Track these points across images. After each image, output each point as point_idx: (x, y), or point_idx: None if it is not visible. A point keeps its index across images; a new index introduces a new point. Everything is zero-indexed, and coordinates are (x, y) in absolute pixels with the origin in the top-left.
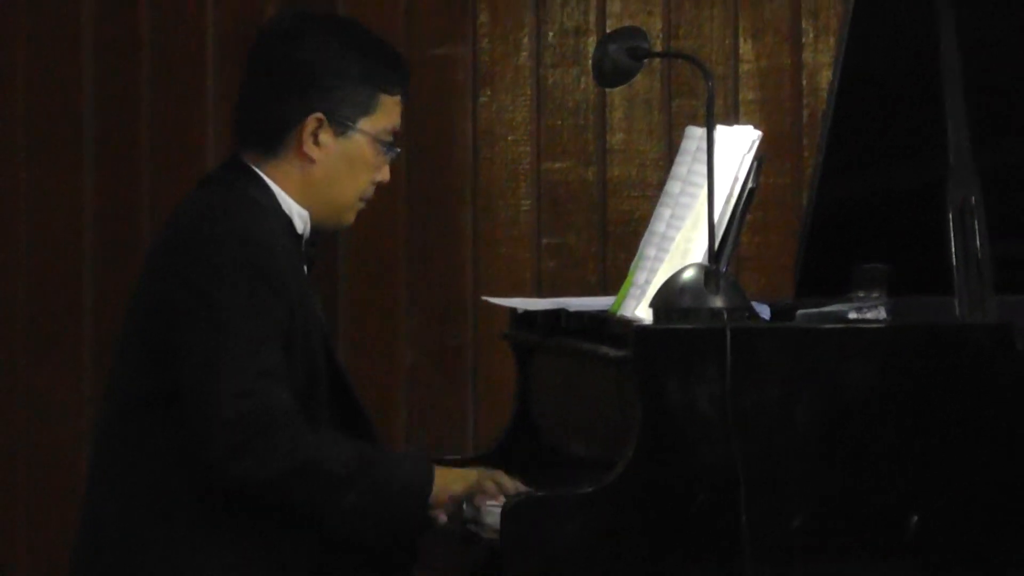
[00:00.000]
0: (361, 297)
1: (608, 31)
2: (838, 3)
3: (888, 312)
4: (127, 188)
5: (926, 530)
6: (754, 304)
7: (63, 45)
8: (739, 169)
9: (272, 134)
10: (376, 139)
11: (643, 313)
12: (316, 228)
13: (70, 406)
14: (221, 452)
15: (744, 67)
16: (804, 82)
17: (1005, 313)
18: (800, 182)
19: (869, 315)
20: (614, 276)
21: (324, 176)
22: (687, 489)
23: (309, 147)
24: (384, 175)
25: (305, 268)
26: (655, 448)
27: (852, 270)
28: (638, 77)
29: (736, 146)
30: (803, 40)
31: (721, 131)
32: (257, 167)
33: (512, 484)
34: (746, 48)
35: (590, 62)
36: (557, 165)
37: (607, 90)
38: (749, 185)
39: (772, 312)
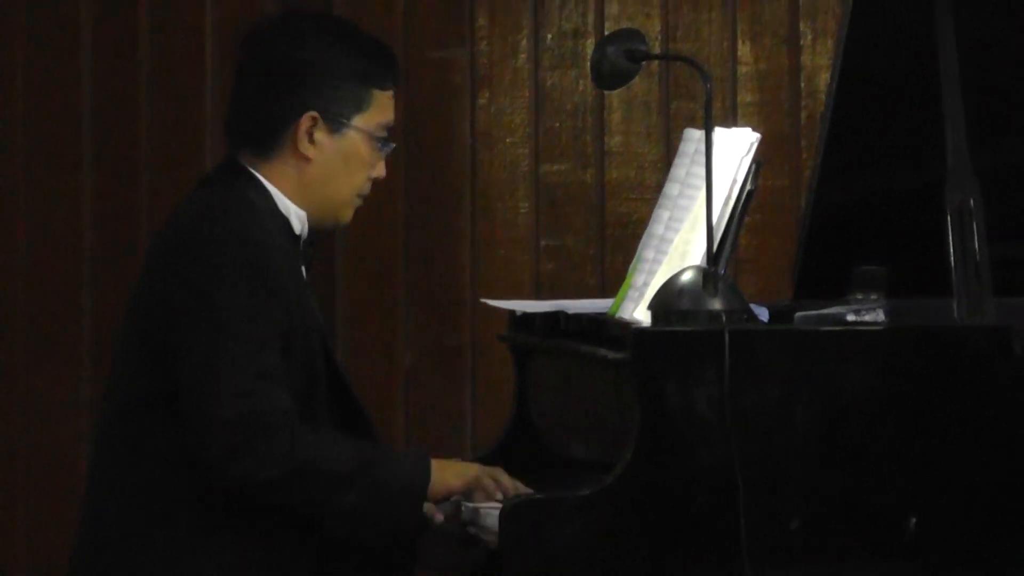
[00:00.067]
0: (360, 298)
1: (606, 33)
2: (836, 5)
3: (886, 314)
4: (126, 189)
5: (924, 532)
6: (752, 306)
7: (62, 46)
8: (737, 171)
9: (266, 134)
10: (371, 135)
11: (641, 315)
12: (314, 227)
13: (69, 407)
14: (220, 453)
15: (742, 69)
16: (802, 84)
17: (1003, 315)
18: (798, 184)
19: (867, 317)
20: (612, 278)
21: (321, 174)
22: (686, 491)
23: (304, 146)
24: (380, 171)
25: (303, 269)
26: (654, 450)
27: (850, 272)
28: (636, 79)
29: (734, 148)
30: (801, 42)
31: (719, 133)
32: (253, 168)
33: (511, 482)
34: (744, 50)
35: (588, 64)
36: (555, 167)
37: (605, 92)
38: (747, 187)
39: (770, 314)
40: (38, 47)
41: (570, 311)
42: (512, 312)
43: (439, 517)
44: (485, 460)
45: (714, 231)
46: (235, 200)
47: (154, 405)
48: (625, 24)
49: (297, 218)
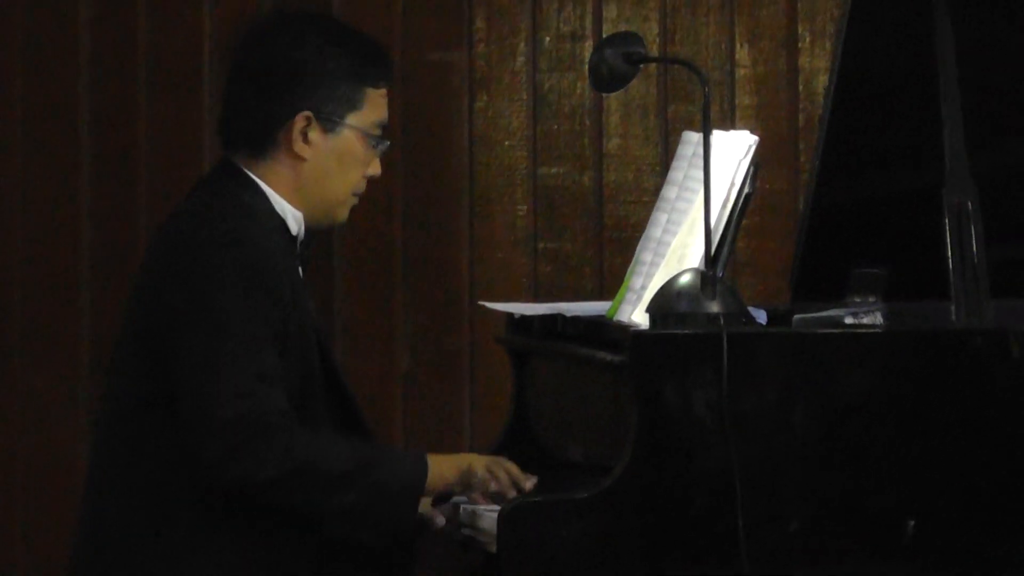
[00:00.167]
0: (358, 301)
1: (604, 36)
2: (834, 8)
3: (884, 317)
4: (124, 189)
5: (922, 535)
6: (750, 309)
7: (61, 46)
8: (735, 174)
9: (261, 136)
10: (365, 133)
11: (639, 318)
12: (310, 226)
13: (67, 407)
14: (218, 453)
15: (740, 72)
16: (800, 87)
17: (1001, 318)
18: (796, 187)
19: (865, 320)
20: (610, 281)
21: (316, 174)
22: (684, 493)
23: (299, 146)
24: (375, 169)
25: (300, 269)
26: (652, 453)
27: (848, 275)
28: (634, 82)
29: (732, 151)
30: (799, 45)
31: (717, 136)
32: (248, 169)
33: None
34: (742, 53)
35: (586, 67)
36: (553, 170)
37: (603, 95)
38: (745, 190)
39: (768, 317)
40: (37, 47)
41: (568, 314)
42: (510, 314)
43: (440, 521)
44: None
45: (712, 234)
46: (231, 202)
47: (153, 406)
48: (623, 27)
49: (293, 219)
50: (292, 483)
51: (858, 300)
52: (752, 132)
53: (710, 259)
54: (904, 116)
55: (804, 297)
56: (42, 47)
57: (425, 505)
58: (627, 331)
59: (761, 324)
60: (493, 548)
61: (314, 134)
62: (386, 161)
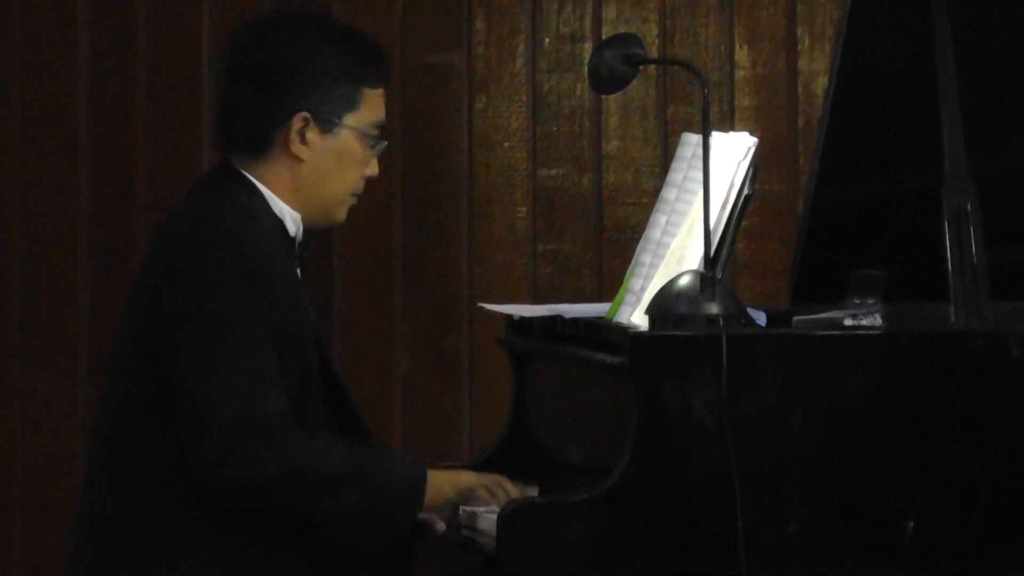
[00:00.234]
0: (357, 302)
1: (604, 38)
2: (833, 10)
3: (884, 319)
4: (123, 189)
5: (922, 536)
6: (750, 310)
7: (59, 49)
8: (735, 176)
9: (258, 137)
10: (363, 134)
11: (639, 320)
12: (309, 227)
13: (66, 408)
14: (216, 455)
15: (740, 74)
16: (800, 89)
17: (1001, 320)
18: (796, 189)
19: (865, 322)
20: (610, 283)
21: (314, 174)
22: (683, 495)
23: (297, 147)
24: (373, 169)
25: (298, 270)
26: (651, 454)
27: (848, 276)
28: (634, 84)
29: (732, 153)
30: (798, 47)
31: (717, 138)
32: (246, 171)
33: (512, 489)
34: (742, 55)
35: (586, 68)
36: (553, 172)
37: (603, 97)
38: (745, 192)
39: (768, 319)
40: (36, 48)
41: (567, 315)
42: (509, 316)
43: (440, 525)
44: (482, 464)
45: (711, 235)
46: (230, 203)
47: (152, 406)
48: (623, 28)
49: (291, 220)
50: (291, 484)
51: (857, 302)
52: (751, 134)
53: (709, 261)
54: (903, 118)
55: (803, 299)
56: (41, 47)
57: (424, 509)
58: (626, 333)
59: (760, 326)
60: (493, 549)
61: (312, 135)
62: (385, 163)
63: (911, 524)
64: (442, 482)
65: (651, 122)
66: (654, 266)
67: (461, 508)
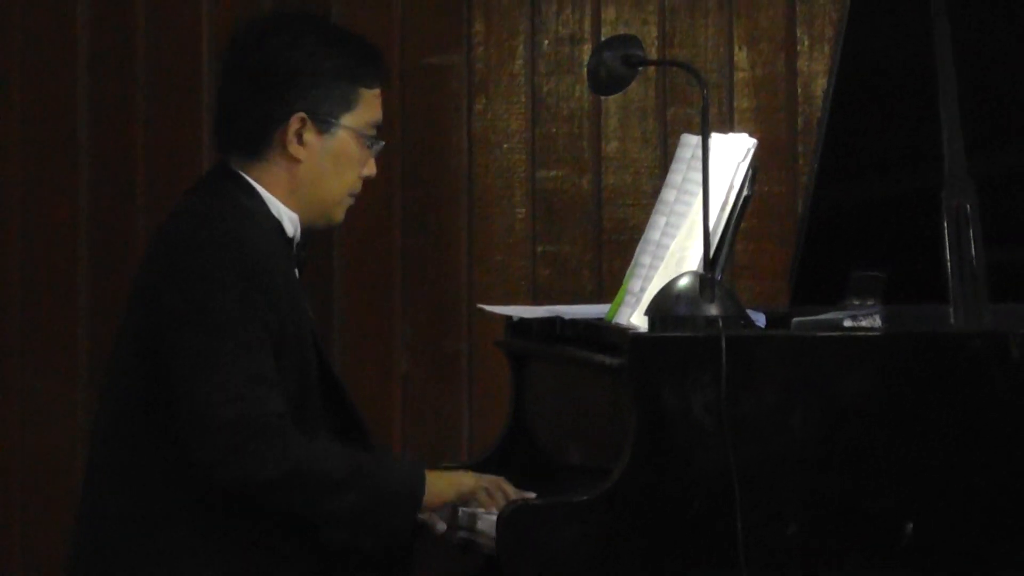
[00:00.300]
0: (357, 304)
1: (603, 39)
2: (833, 11)
3: (883, 320)
4: (122, 192)
5: (921, 538)
6: (749, 312)
7: (59, 50)
8: (734, 177)
9: (256, 138)
10: (360, 134)
11: (638, 321)
12: (307, 228)
13: (65, 408)
14: (215, 456)
15: (739, 75)
16: (799, 90)
17: (1000, 321)
18: (795, 190)
19: (864, 323)
20: (609, 284)
21: (311, 175)
22: (683, 496)
23: (294, 148)
24: (371, 169)
25: (296, 271)
26: (651, 455)
27: (847, 278)
28: (633, 85)
29: (731, 154)
30: (798, 48)
31: (716, 139)
32: (244, 172)
33: (512, 492)
34: (741, 56)
35: (585, 70)
36: (552, 173)
37: (602, 98)
38: (744, 193)
39: (767, 320)
40: (35, 48)
41: (567, 317)
42: (509, 318)
43: (441, 526)
44: (482, 466)
45: (711, 237)
46: (228, 204)
47: (151, 407)
48: (622, 30)
49: (289, 221)
50: (291, 484)
51: (857, 303)
52: (751, 135)
53: (709, 262)
54: (903, 118)
55: (803, 300)
56: (41, 48)
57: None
58: (626, 334)
59: (760, 327)
60: (492, 551)
61: (309, 135)
62: (385, 164)
63: (910, 525)
64: (441, 484)
65: (650, 123)
66: (653, 267)
67: (460, 509)
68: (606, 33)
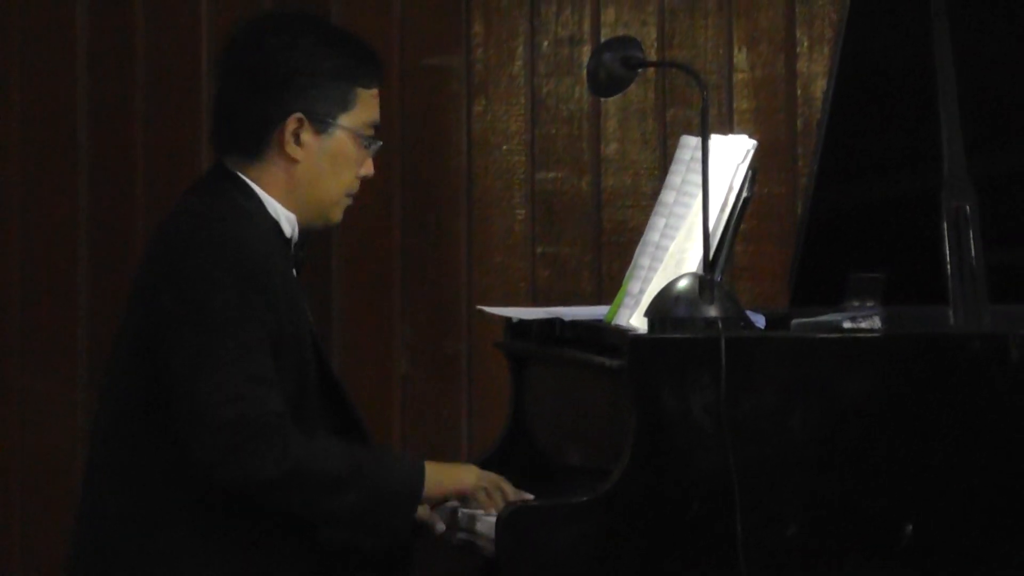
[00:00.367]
0: (356, 305)
1: (603, 40)
2: (832, 12)
3: (883, 321)
4: (122, 190)
5: (921, 539)
6: (749, 313)
7: (58, 50)
8: (733, 178)
9: (253, 138)
10: (357, 134)
11: (637, 322)
12: (304, 228)
13: (65, 409)
14: (213, 456)
15: (738, 77)
16: (799, 91)
17: (1000, 322)
18: (794, 191)
19: (864, 324)
20: (608, 285)
21: (309, 175)
22: (682, 498)
23: (291, 148)
24: (368, 169)
25: (294, 272)
26: (650, 457)
27: (847, 279)
28: (632, 86)
29: (730, 155)
30: (797, 50)
31: (715, 140)
32: (241, 172)
33: (512, 491)
34: (740, 58)
35: (584, 71)
36: (551, 175)
37: (601, 99)
38: (743, 194)
39: (767, 321)
40: (35, 48)
41: (566, 318)
42: (508, 319)
43: (440, 527)
44: (481, 467)
45: (710, 238)
46: (226, 205)
47: (151, 407)
48: (621, 31)
49: (287, 221)
50: (290, 484)
51: (856, 304)
52: (750, 136)
53: (708, 263)
54: (903, 119)
55: (802, 301)
56: (40, 48)
57: (424, 510)
58: (625, 335)
59: (759, 328)
60: (492, 552)
61: (306, 135)
62: (384, 165)
63: (910, 527)
64: (442, 475)
65: (650, 125)
66: (653, 269)
67: (460, 510)
68: (605, 34)
